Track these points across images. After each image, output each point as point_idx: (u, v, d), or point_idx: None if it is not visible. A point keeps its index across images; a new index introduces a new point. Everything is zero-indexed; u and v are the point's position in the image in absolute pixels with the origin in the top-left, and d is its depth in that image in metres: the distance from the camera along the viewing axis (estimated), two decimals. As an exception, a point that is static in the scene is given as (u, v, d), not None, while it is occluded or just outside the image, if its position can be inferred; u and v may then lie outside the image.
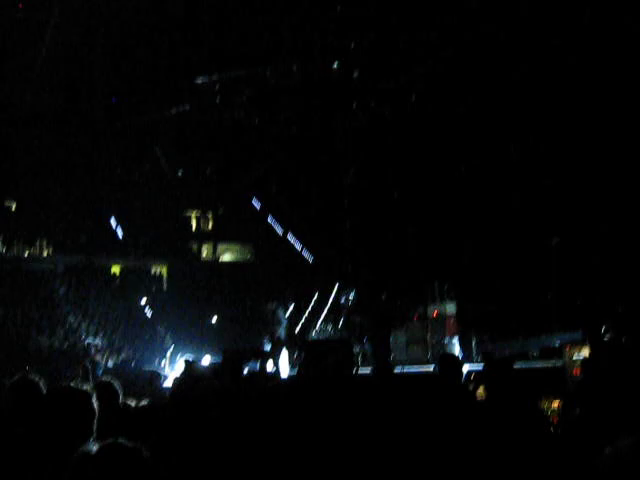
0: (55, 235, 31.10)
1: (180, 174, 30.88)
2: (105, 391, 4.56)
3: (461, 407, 5.72)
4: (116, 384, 4.91)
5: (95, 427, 3.10)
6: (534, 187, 19.03)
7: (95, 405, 3.20)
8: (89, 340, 25.84)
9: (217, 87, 22.69)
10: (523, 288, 18.75)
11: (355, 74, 21.04)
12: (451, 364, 6.29)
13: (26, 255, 30.24)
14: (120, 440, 2.35)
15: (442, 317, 16.04)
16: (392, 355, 17.75)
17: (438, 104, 20.95)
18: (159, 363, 21.91)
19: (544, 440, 4.99)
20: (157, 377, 10.27)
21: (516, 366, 12.35)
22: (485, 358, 10.10)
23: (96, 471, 2.24)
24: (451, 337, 15.35)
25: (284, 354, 16.80)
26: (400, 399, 5.86)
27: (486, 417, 5.17)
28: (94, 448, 2.33)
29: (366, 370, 12.71)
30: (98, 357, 24.15)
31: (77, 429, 3.01)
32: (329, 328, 21.03)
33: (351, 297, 22.02)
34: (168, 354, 22.78)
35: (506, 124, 19.52)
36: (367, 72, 21.21)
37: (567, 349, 10.99)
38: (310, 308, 27.55)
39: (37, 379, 4.10)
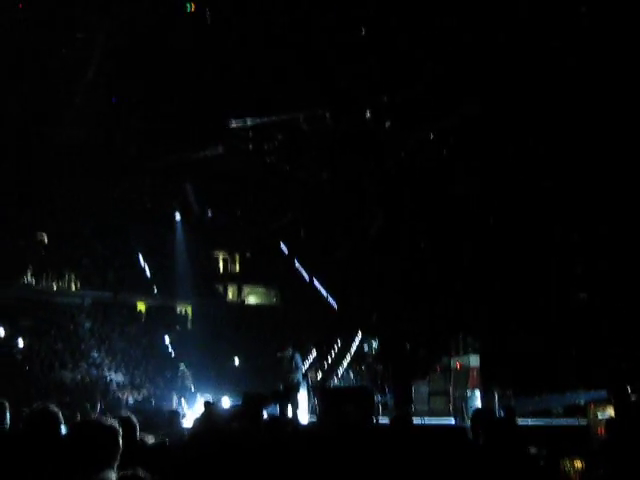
0: (84, 270, 31.36)
1: (210, 215, 31.10)
2: (123, 426, 4.57)
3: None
4: (134, 419, 4.94)
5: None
6: (563, 242, 18.88)
7: (121, 441, 3.22)
8: (111, 376, 25.87)
9: (250, 131, 22.96)
10: (549, 344, 18.52)
11: (387, 124, 21.21)
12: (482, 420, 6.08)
13: (54, 288, 30.49)
14: (138, 472, 2.36)
15: (465, 369, 15.84)
16: (413, 406, 17.54)
17: (465, 153, 20.98)
18: (179, 401, 21.78)
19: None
20: (177, 417, 10.21)
21: (539, 422, 12.18)
22: (507, 413, 9.93)
23: None
24: (473, 390, 15.13)
25: (303, 400, 16.65)
26: (417, 452, 5.77)
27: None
28: (113, 477, 2.34)
29: (386, 420, 12.57)
30: (119, 393, 24.18)
31: (102, 462, 3.01)
32: (351, 376, 20.91)
33: (374, 346, 21.90)
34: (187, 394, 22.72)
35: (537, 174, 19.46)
36: (398, 123, 21.35)
37: (592, 407, 10.80)
38: (333, 355, 27.44)
39: (56, 409, 4.10)
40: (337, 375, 22.14)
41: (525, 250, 20.21)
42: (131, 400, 23.65)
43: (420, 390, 17.83)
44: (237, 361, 29.68)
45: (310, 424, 14.28)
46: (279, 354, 17.21)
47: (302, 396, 16.64)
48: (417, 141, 21.59)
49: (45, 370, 24.89)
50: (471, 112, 18.98)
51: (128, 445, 4.22)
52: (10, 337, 26.20)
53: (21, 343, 26.04)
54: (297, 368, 16.29)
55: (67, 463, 3.03)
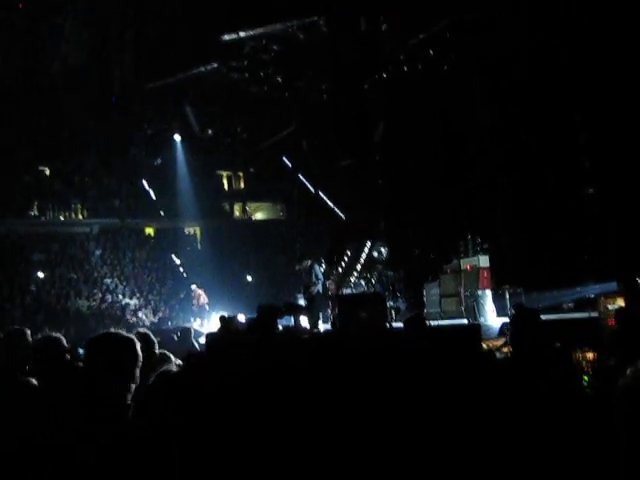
0: (89, 199, 31.44)
1: (210, 133, 30.84)
2: (142, 340, 4.77)
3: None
4: (152, 335, 5.09)
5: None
6: (572, 138, 18.58)
7: (139, 351, 3.29)
8: (126, 300, 26.27)
9: (245, 43, 22.55)
10: (558, 239, 18.56)
11: (383, 27, 20.77)
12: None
13: (61, 219, 30.64)
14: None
15: (475, 270, 16.02)
16: (425, 309, 17.82)
17: (470, 56, 20.55)
18: (195, 320, 22.19)
19: (574, 396, 4.94)
20: (189, 332, 10.48)
21: (550, 317, 12.36)
22: (516, 310, 10.05)
23: (176, 385, 2.47)
24: (484, 290, 15.34)
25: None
26: (432, 351, 5.88)
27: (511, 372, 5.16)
28: (174, 367, 2.50)
29: (400, 324, 12.77)
30: (135, 317, 24.60)
31: (122, 371, 3.13)
32: (362, 283, 21.15)
33: (384, 252, 22.09)
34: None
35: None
36: (396, 25, 20.88)
37: (602, 300, 10.92)
38: (343, 264, 27.71)
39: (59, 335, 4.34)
40: (349, 284, 22.44)
41: (531, 144, 19.98)
42: (148, 322, 24.10)
43: (431, 293, 18.07)
44: (250, 277, 30.02)
45: (326, 332, 14.58)
46: (297, 267, 17.40)
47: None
48: (416, 43, 21.13)
49: (62, 300, 25.31)
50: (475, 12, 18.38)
51: (148, 357, 4.43)
52: (25, 271, 26.56)
53: (41, 275, 26.44)
54: (317, 279, 16.51)
55: (86, 377, 3.12)
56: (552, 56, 17.76)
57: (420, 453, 4.52)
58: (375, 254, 23.88)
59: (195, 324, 20.96)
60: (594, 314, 11.24)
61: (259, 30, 21.71)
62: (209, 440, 3.56)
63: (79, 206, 31.05)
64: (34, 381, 3.99)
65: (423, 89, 22.83)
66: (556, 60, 17.86)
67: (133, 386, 3.12)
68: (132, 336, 3.37)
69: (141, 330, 5.17)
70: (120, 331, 3.36)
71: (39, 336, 4.77)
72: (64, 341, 4.23)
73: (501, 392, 4.85)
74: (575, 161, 18.63)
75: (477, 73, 20.41)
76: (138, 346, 3.30)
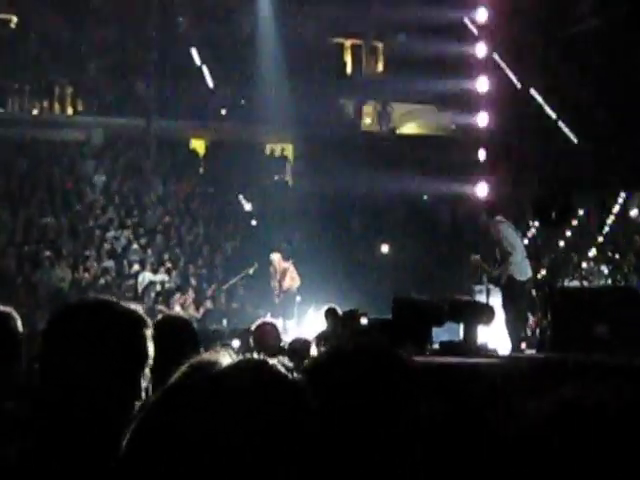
0: (86, 79, 31.93)
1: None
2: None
3: None
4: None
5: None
6: None
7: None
8: (147, 276, 26.32)
9: None
10: None
11: None
12: None
13: (34, 113, 31.21)
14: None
15: None
16: None
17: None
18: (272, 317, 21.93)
19: None
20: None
21: None
22: None
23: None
24: None
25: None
26: None
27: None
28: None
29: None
30: (162, 305, 24.56)
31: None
32: (604, 270, 20.88)
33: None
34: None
35: None
36: None
37: None
38: (569, 230, 27.17)
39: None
40: (577, 268, 21.95)
41: None
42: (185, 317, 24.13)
43: None
44: (384, 247, 29.65)
45: (520, 358, 14.11)
46: (482, 221, 16.96)
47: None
48: None
49: (25, 270, 25.90)
50: None
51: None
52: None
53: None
54: (511, 252, 15.80)
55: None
56: None
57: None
58: (633, 214, 23.58)
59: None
60: None
61: None
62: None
63: (68, 91, 31.56)
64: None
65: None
66: None
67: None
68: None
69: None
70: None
71: None
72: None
73: None
74: None
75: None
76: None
